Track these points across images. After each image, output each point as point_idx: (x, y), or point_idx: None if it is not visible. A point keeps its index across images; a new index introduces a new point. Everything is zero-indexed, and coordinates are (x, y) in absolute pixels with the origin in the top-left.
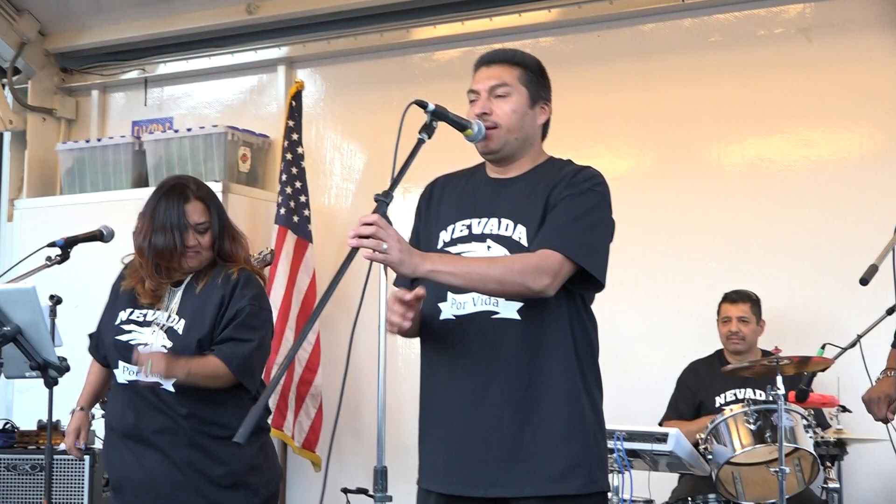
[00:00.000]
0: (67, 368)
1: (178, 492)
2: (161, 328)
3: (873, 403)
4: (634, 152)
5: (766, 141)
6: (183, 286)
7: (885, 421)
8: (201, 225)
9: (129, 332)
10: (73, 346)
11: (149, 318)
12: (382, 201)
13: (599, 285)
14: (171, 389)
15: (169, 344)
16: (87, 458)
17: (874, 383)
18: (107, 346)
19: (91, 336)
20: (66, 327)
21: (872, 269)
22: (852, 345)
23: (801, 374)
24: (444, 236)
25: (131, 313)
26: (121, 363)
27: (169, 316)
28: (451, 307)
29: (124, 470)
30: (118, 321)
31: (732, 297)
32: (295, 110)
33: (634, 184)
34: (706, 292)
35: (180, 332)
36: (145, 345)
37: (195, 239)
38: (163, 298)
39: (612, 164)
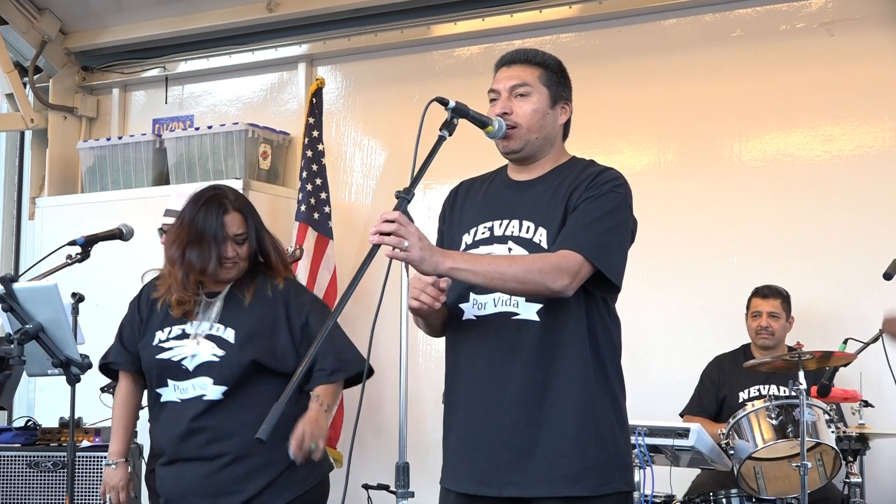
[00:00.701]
0: (90, 366)
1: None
2: (203, 336)
3: (892, 324)
4: (655, 148)
5: (787, 136)
6: (222, 295)
7: None
8: (240, 236)
9: (171, 348)
10: (95, 343)
11: (188, 331)
12: (403, 198)
13: (615, 288)
14: (219, 397)
15: (220, 352)
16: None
17: None
18: (148, 366)
19: (110, 349)
20: (87, 325)
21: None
22: (875, 339)
23: (824, 369)
24: (467, 238)
25: (169, 332)
26: (170, 381)
27: (211, 325)
28: (473, 307)
29: (177, 485)
30: (157, 341)
31: (763, 292)
32: (315, 107)
33: (656, 180)
34: (728, 288)
35: (231, 340)
36: (193, 356)
37: (234, 250)
38: (195, 311)
39: (634, 159)
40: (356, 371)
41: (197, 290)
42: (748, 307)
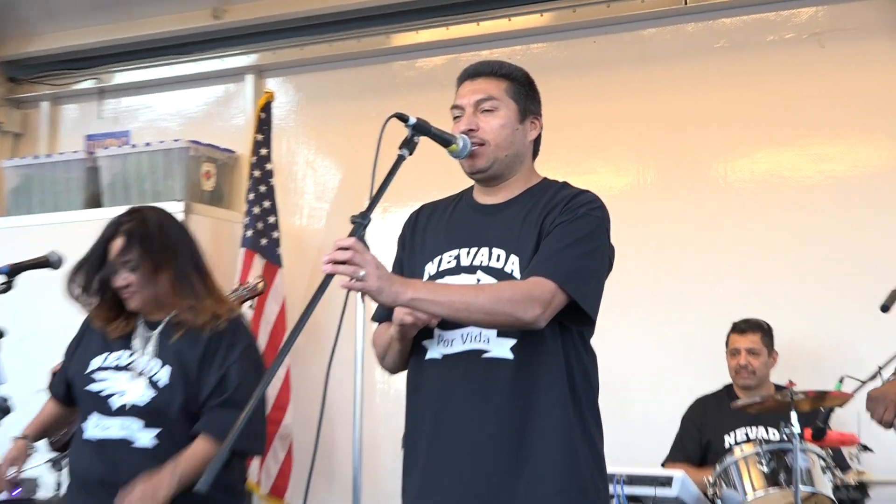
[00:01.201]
0: (8, 410)
1: None
2: (140, 375)
3: (878, 403)
4: (634, 167)
5: (777, 154)
6: (160, 328)
7: (889, 426)
8: (127, 263)
9: (103, 380)
10: (19, 383)
11: (123, 363)
12: (359, 223)
13: (590, 321)
14: (148, 445)
15: (151, 394)
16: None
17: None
18: (77, 394)
19: (55, 374)
20: (10, 363)
21: (894, 295)
22: (873, 377)
23: (818, 409)
24: (430, 268)
25: (105, 359)
26: (93, 416)
27: (149, 361)
28: (438, 345)
29: None
30: (89, 369)
31: (741, 327)
32: (264, 123)
33: (634, 201)
34: (713, 321)
35: (164, 380)
36: (120, 393)
37: (125, 278)
38: (133, 336)
39: (610, 179)
40: (239, 448)
41: (115, 314)
42: (727, 344)
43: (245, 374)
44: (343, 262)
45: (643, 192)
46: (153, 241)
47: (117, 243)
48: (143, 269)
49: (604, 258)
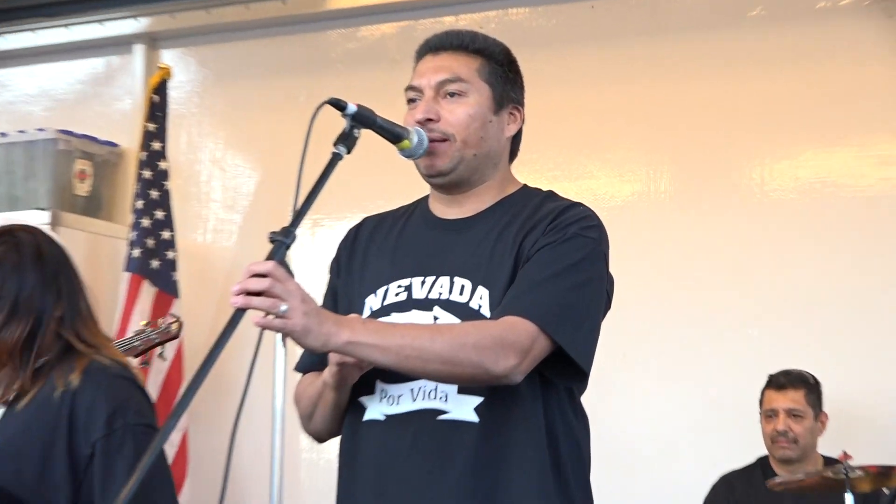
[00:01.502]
0: None
1: None
2: None
3: None
4: (643, 172)
5: (828, 156)
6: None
7: None
8: None
9: None
10: None
11: None
12: (281, 242)
13: (582, 374)
14: None
15: None
16: None
17: None
18: None
19: None
20: None
21: None
22: None
23: (880, 491)
24: (373, 302)
25: None
26: None
27: None
28: (381, 403)
29: None
30: None
31: (779, 382)
32: (157, 108)
33: (643, 218)
34: (745, 372)
35: None
36: None
37: None
38: None
39: (612, 188)
40: None
41: None
42: (761, 403)
43: (123, 448)
44: (259, 294)
45: (655, 204)
46: (22, 271)
47: None
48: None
49: (600, 292)
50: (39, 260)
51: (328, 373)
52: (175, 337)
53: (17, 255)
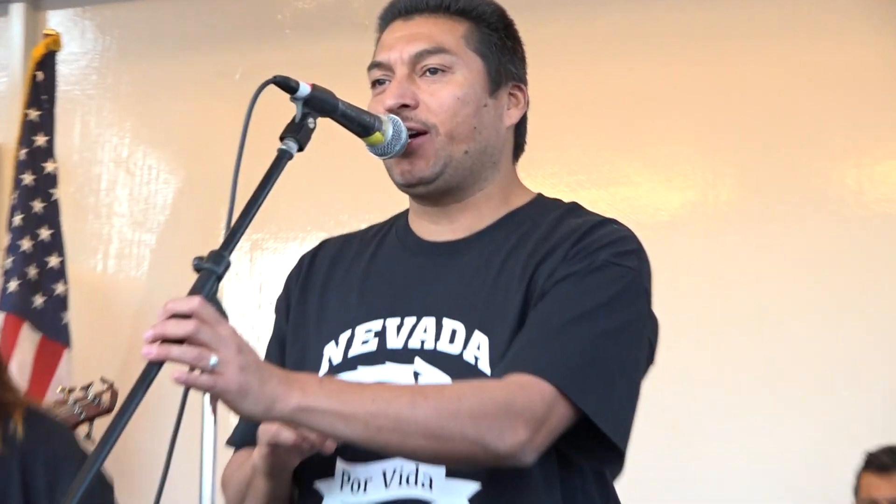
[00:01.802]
0: None
1: None
2: None
3: None
4: (697, 175)
5: None
6: None
7: None
8: None
9: None
10: None
11: None
12: (210, 271)
13: (617, 452)
14: None
15: None
16: None
17: None
18: None
19: None
20: None
21: None
22: None
23: None
24: (333, 352)
25: None
26: None
27: None
28: (343, 490)
29: None
30: None
31: (882, 464)
32: (42, 90)
33: (698, 236)
34: (833, 446)
35: None
36: None
37: None
38: None
39: (656, 197)
40: None
41: None
42: (857, 491)
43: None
44: (180, 341)
45: (715, 220)
46: None
47: None
48: None
49: (639, 341)
50: None
51: (257, 454)
52: (108, 411)
53: None
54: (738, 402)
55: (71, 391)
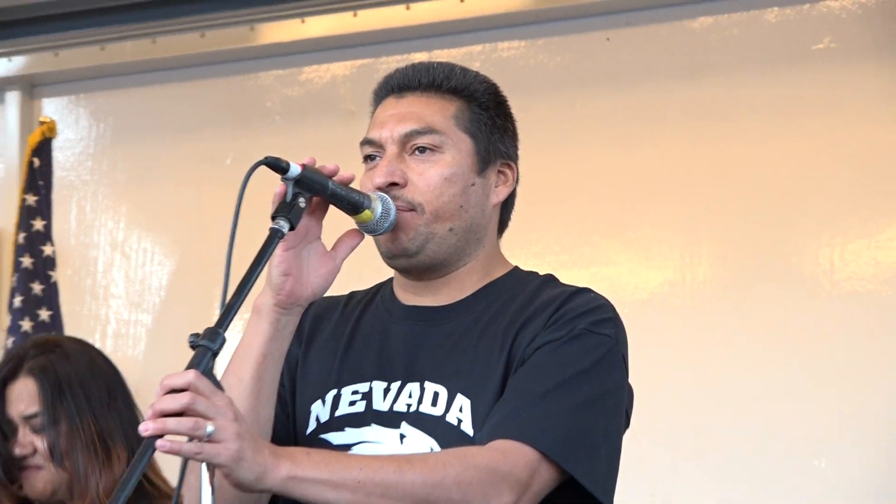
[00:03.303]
0: None
1: None
2: None
3: None
4: (675, 253)
5: None
6: None
7: None
8: (34, 419)
9: None
10: None
11: None
12: (206, 348)
13: None
14: None
15: None
16: None
17: None
18: None
19: None
20: None
21: None
22: None
23: None
24: (321, 411)
25: None
26: None
27: None
28: None
29: None
30: None
31: None
32: (39, 176)
33: (675, 313)
34: None
35: None
36: None
37: (29, 441)
38: None
39: (635, 276)
40: None
41: None
42: None
43: None
44: (178, 414)
45: (691, 298)
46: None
47: (28, 386)
48: (52, 431)
49: (618, 407)
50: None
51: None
52: None
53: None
54: (714, 472)
55: None
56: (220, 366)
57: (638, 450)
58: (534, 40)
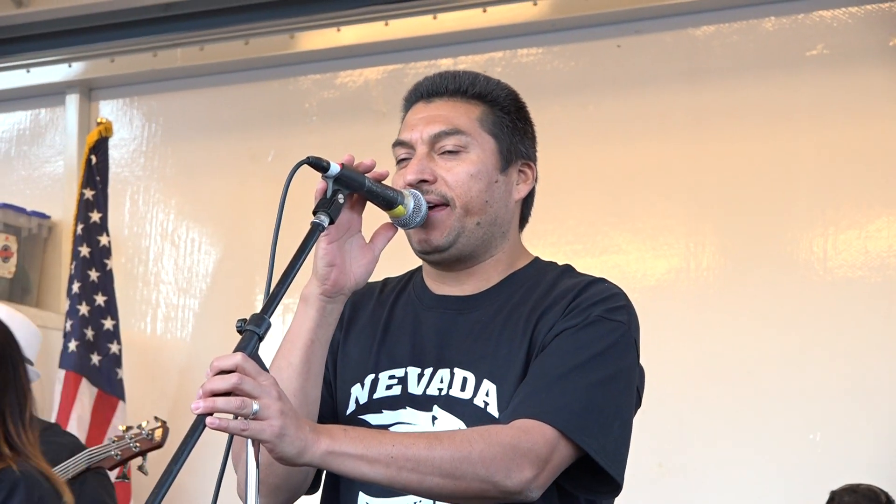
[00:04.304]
0: None
1: None
2: None
3: None
4: (681, 243)
5: None
6: None
7: None
8: None
9: None
10: None
11: None
12: (253, 332)
13: (614, 485)
14: None
15: None
16: None
17: None
18: None
19: None
20: None
21: None
22: None
23: None
24: (359, 394)
25: None
26: None
27: None
28: None
29: None
30: None
31: (843, 501)
32: (95, 172)
33: (681, 298)
34: (804, 486)
35: None
36: None
37: None
38: None
39: (644, 264)
40: None
41: None
42: None
43: None
44: (226, 393)
45: (696, 284)
46: None
47: None
48: None
49: (629, 390)
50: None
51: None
52: (159, 446)
53: None
54: (717, 444)
55: (129, 428)
56: (266, 350)
57: (646, 423)
58: (550, 47)
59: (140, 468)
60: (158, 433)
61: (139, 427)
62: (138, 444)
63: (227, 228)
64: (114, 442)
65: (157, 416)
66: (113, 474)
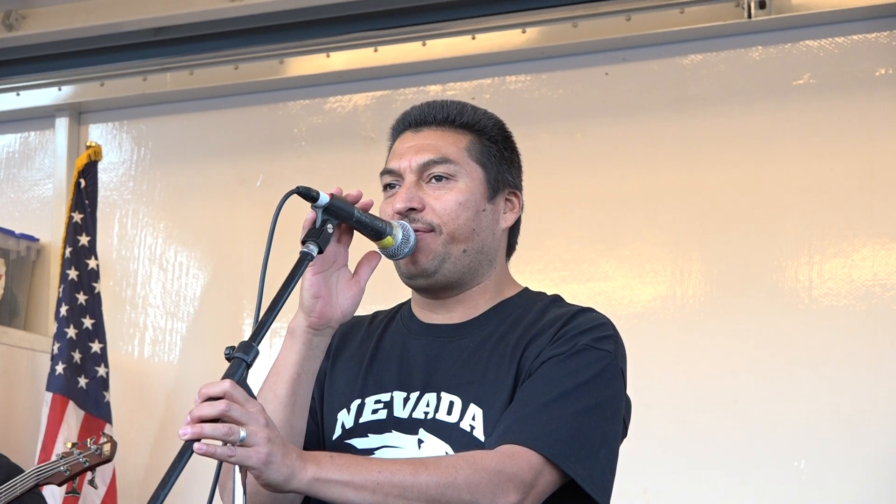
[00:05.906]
0: None
1: None
2: None
3: None
4: (667, 271)
5: (889, 254)
6: None
7: None
8: None
9: None
10: None
11: None
12: (241, 360)
13: None
14: None
15: None
16: None
17: None
18: None
19: None
20: None
21: None
22: None
23: None
24: (346, 419)
25: None
26: None
27: None
28: None
29: None
30: None
31: None
32: (84, 195)
33: (667, 326)
34: None
35: None
36: None
37: None
38: None
39: (630, 291)
40: None
41: None
42: None
43: None
44: (214, 420)
45: (682, 311)
46: None
47: None
48: None
49: (615, 418)
50: None
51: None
52: (108, 460)
53: None
54: (702, 471)
55: (76, 444)
56: (254, 378)
57: (631, 449)
58: (538, 74)
59: (90, 482)
60: (107, 448)
61: (87, 443)
62: (87, 459)
63: (215, 252)
64: (62, 458)
65: (105, 433)
66: (63, 489)
